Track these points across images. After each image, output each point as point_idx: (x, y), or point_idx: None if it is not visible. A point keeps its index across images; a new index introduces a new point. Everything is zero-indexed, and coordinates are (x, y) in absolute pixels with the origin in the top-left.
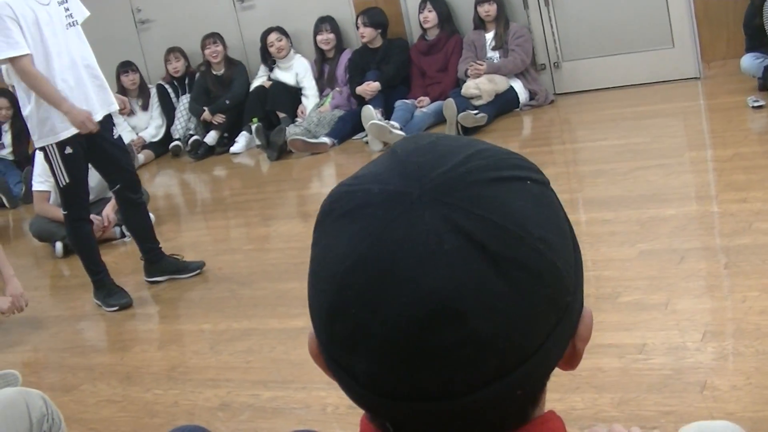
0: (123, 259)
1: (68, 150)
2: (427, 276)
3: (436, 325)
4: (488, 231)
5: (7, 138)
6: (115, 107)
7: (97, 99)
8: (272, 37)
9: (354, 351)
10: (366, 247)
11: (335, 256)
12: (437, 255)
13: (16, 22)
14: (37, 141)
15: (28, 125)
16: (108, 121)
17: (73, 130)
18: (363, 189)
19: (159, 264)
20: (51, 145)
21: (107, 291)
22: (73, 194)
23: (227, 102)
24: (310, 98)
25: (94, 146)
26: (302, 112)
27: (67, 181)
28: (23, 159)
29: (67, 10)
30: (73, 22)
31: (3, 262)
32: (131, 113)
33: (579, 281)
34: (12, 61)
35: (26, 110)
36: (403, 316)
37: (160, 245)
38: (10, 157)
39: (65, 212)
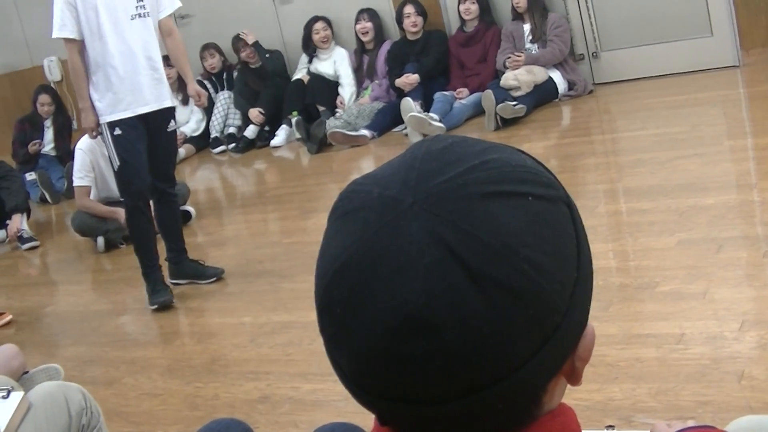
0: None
1: (117, 131)
2: (403, 286)
3: (408, 334)
4: (471, 247)
5: (49, 134)
6: (169, 104)
7: (150, 91)
8: (318, 25)
9: (338, 348)
10: (354, 250)
11: (329, 255)
12: (416, 266)
13: (74, 7)
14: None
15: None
16: (169, 112)
17: (120, 115)
18: (366, 191)
19: (180, 266)
20: (104, 125)
21: (152, 287)
22: (127, 180)
23: (267, 55)
24: (345, 87)
25: (149, 134)
26: (341, 103)
27: (119, 164)
28: (65, 154)
29: (139, 0)
30: (143, 13)
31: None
32: None
33: (578, 301)
34: (67, 44)
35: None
36: (379, 323)
37: (185, 247)
38: (53, 153)
39: (122, 199)
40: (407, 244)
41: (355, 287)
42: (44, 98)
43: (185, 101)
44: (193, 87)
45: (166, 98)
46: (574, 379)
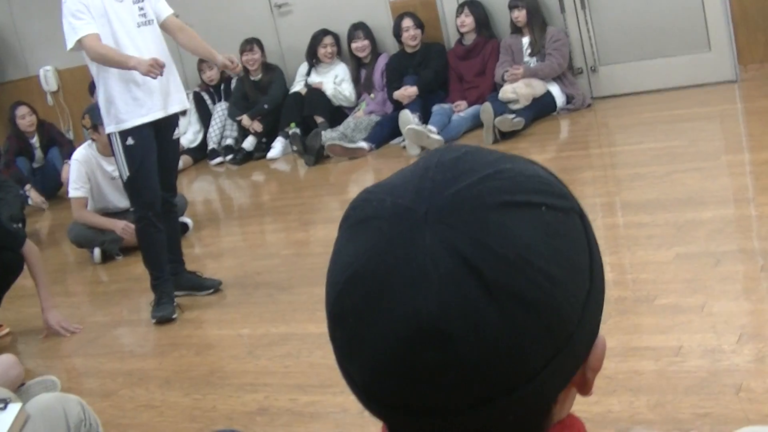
0: None
1: (130, 141)
2: (418, 296)
3: (422, 345)
4: (486, 257)
5: (40, 153)
6: (186, 106)
7: (165, 96)
8: (327, 40)
9: (349, 358)
10: (366, 259)
11: (341, 263)
12: (430, 276)
13: (88, 10)
14: (107, 127)
15: (102, 112)
16: (175, 119)
17: (137, 120)
18: (378, 199)
19: (177, 278)
20: (115, 134)
21: (156, 299)
22: (137, 190)
23: (266, 106)
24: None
25: (157, 142)
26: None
27: (129, 174)
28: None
29: (141, 9)
30: (146, 21)
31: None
32: None
33: (590, 312)
34: (82, 42)
35: (98, 96)
36: (391, 334)
37: (183, 259)
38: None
39: (131, 209)
40: (421, 254)
41: (368, 297)
42: (23, 109)
43: (183, 112)
44: (221, 58)
45: (183, 101)
46: (586, 389)
